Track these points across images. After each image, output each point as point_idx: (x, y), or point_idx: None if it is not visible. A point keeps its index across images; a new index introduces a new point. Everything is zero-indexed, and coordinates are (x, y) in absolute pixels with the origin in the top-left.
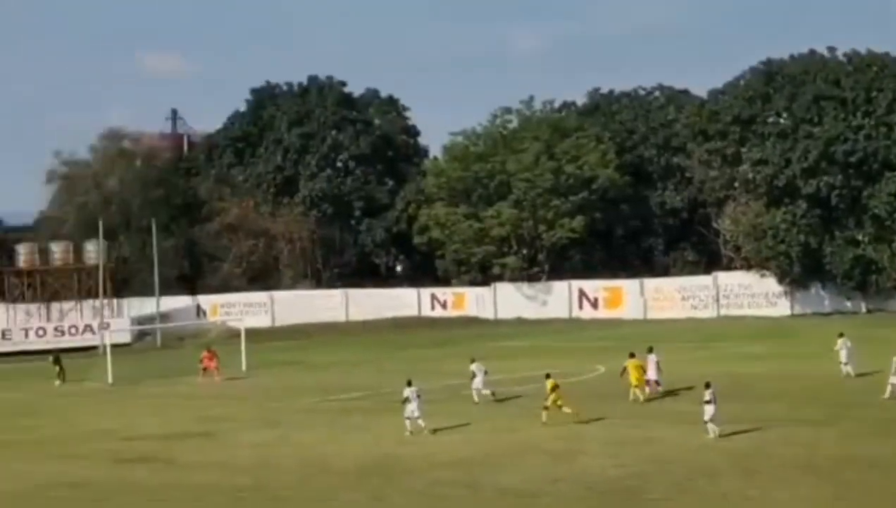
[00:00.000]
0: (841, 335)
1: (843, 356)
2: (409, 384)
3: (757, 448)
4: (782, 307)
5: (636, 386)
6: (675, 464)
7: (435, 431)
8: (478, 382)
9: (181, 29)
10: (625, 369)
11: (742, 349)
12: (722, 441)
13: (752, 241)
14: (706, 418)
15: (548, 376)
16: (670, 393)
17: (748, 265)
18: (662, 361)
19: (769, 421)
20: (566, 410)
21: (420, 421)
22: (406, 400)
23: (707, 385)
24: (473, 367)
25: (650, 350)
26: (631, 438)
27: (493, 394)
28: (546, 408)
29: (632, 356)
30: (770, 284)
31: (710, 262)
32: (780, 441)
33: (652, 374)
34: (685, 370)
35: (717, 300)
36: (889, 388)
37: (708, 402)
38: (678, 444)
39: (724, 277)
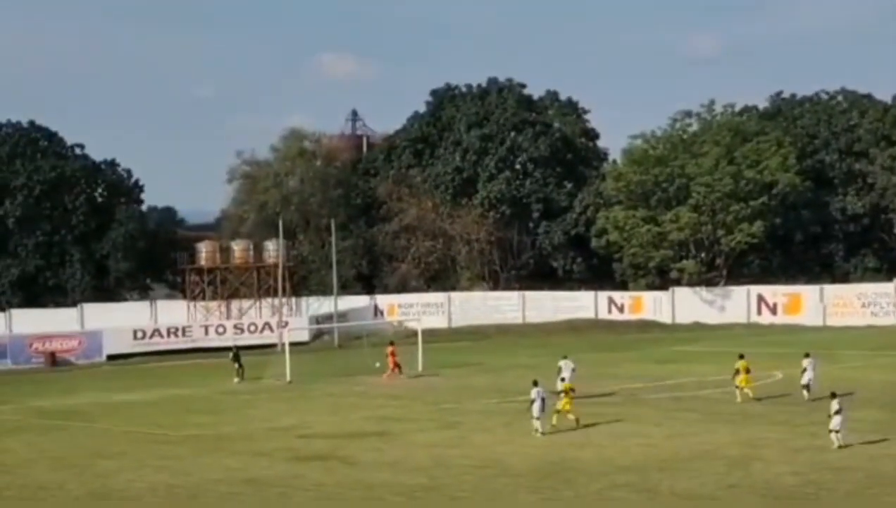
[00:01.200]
0: None
1: None
2: (536, 384)
3: None
4: None
5: (747, 386)
6: (852, 472)
7: (544, 434)
8: (566, 375)
9: (362, 31)
10: (737, 370)
11: None
12: None
13: None
14: (832, 427)
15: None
16: (847, 400)
17: None
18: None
19: None
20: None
21: (537, 422)
22: (533, 401)
23: (833, 395)
24: (562, 363)
25: (807, 355)
26: (808, 445)
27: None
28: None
29: (741, 357)
30: None
31: (891, 268)
32: None
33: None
34: (864, 377)
35: None
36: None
37: (837, 412)
38: (856, 453)
39: None
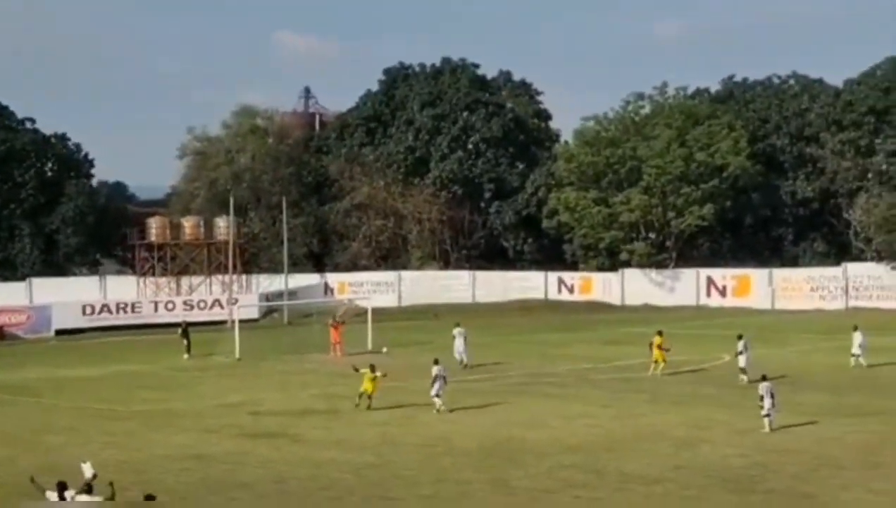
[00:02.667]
0: (855, 329)
1: (855, 346)
2: (437, 362)
3: (881, 441)
4: None
5: (662, 360)
6: (798, 455)
7: (452, 411)
8: (458, 345)
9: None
10: (651, 345)
11: (869, 342)
12: (845, 434)
13: (884, 232)
14: (763, 412)
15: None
16: (794, 384)
17: (879, 257)
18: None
19: (894, 414)
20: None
21: (437, 400)
22: (435, 379)
23: (763, 378)
24: (456, 331)
25: (740, 337)
26: (755, 427)
27: (463, 364)
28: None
29: (659, 333)
30: None
31: (839, 253)
32: None
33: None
34: (812, 360)
35: (847, 292)
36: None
37: (763, 397)
38: (802, 435)
39: (853, 268)
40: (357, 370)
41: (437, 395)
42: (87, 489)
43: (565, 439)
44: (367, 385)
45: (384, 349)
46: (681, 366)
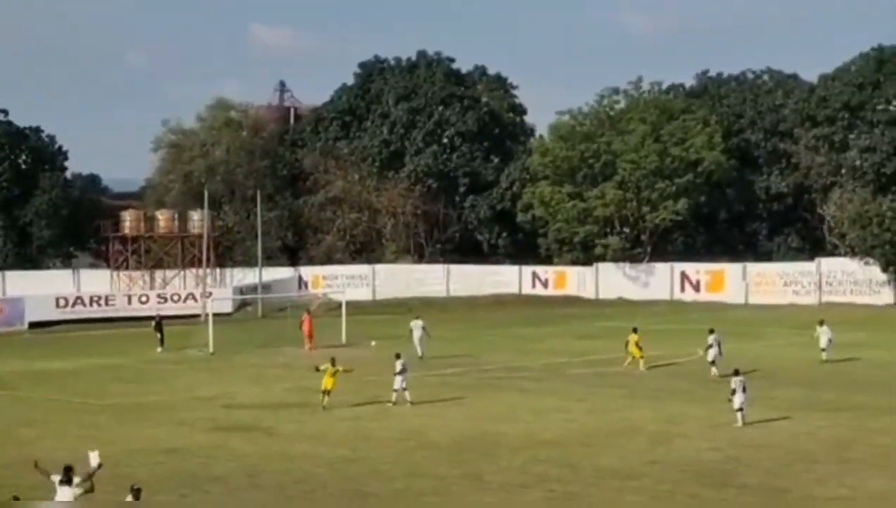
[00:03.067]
0: (821, 323)
1: (822, 342)
2: (398, 356)
3: (854, 437)
4: (886, 296)
5: (641, 358)
6: (772, 449)
7: (414, 404)
8: (416, 337)
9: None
10: (628, 343)
11: (843, 337)
12: (819, 428)
13: (858, 228)
14: (735, 406)
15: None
16: (768, 378)
17: (852, 253)
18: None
19: (867, 409)
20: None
21: (406, 394)
22: (399, 372)
23: (736, 373)
24: (413, 324)
25: (711, 331)
26: (729, 422)
27: (420, 356)
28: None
29: (634, 330)
30: (874, 272)
31: (813, 248)
32: (877, 430)
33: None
34: (785, 355)
35: (820, 287)
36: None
37: (742, 390)
38: (776, 430)
39: (827, 263)
40: (318, 369)
41: (403, 388)
42: (67, 480)
43: (539, 433)
44: (328, 383)
45: (372, 343)
46: (655, 361)
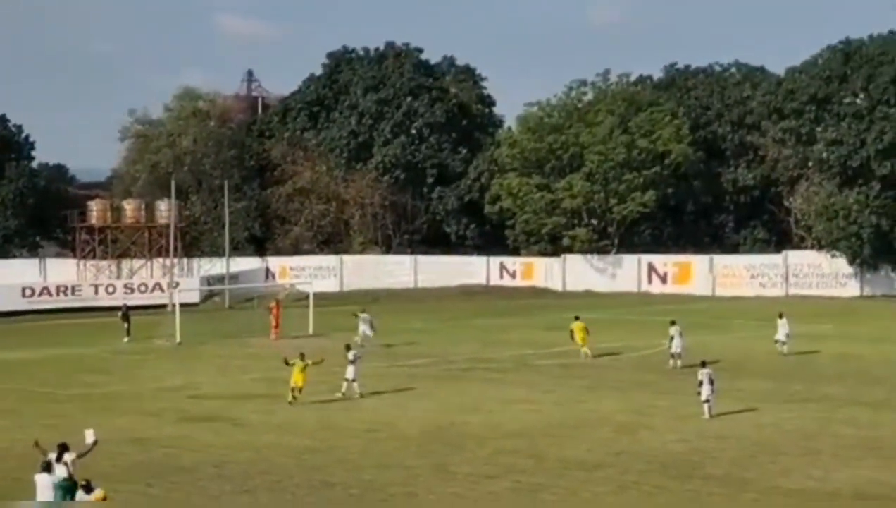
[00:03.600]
0: (781, 316)
1: (780, 334)
2: (349, 348)
3: (820, 428)
4: (852, 288)
5: (583, 346)
6: (738, 441)
7: (362, 395)
8: (364, 330)
9: None
10: (572, 331)
11: (809, 329)
12: (784, 420)
13: (824, 221)
14: (703, 398)
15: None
16: (734, 370)
17: (819, 245)
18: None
19: (833, 401)
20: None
21: (355, 385)
22: (350, 363)
23: (703, 364)
24: (361, 317)
25: (673, 323)
26: (695, 413)
27: (362, 345)
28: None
29: (577, 318)
30: (840, 264)
31: (780, 241)
32: (843, 422)
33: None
34: (751, 347)
35: (787, 279)
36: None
37: (709, 382)
38: (741, 421)
39: (793, 256)
40: (288, 362)
41: (353, 380)
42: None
43: (506, 424)
44: (297, 378)
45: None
46: (622, 352)
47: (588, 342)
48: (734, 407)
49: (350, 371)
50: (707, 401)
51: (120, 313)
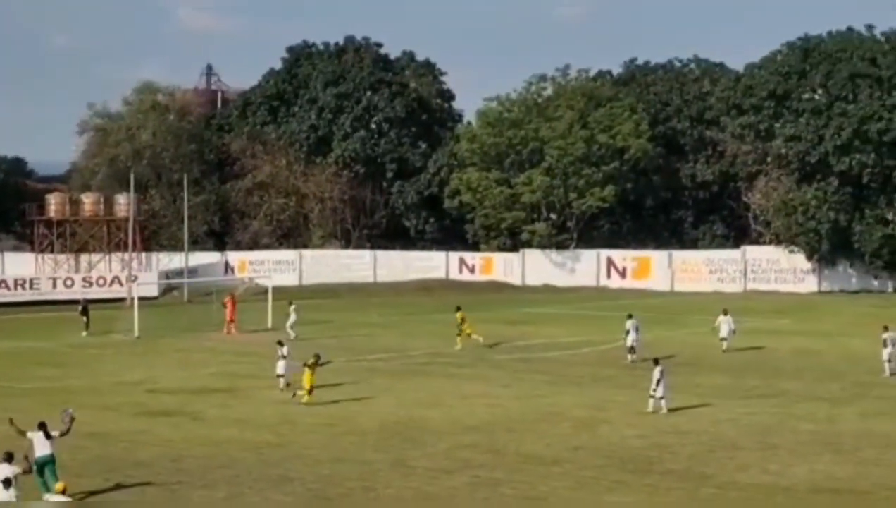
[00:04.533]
0: (725, 313)
1: (723, 331)
2: (281, 344)
3: (778, 423)
4: (809, 284)
5: (461, 336)
6: (696, 436)
7: (289, 388)
8: (292, 321)
9: None
10: (460, 321)
11: (767, 325)
12: (742, 415)
13: (782, 216)
14: (657, 395)
15: (458, 308)
16: (692, 365)
17: (777, 241)
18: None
19: (790, 397)
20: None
21: (281, 381)
22: (279, 359)
23: (655, 362)
24: (291, 309)
25: (630, 317)
26: (654, 408)
27: (293, 337)
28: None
29: (458, 308)
30: (798, 260)
31: (738, 236)
32: (800, 417)
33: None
34: (709, 342)
35: (745, 275)
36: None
37: (659, 379)
38: (700, 416)
39: (752, 251)
40: (307, 364)
41: (282, 374)
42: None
43: (464, 419)
44: (311, 379)
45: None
46: (580, 347)
47: (464, 333)
48: (692, 402)
49: (280, 366)
50: (661, 397)
51: (79, 308)
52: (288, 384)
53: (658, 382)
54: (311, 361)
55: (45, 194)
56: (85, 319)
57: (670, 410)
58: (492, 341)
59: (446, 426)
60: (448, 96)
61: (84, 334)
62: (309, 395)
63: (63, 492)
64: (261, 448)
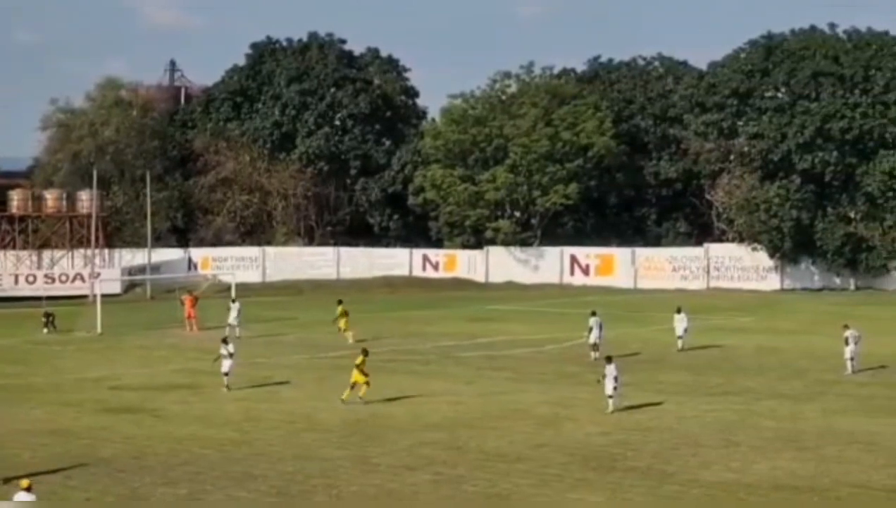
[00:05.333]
0: (679, 311)
1: (678, 330)
2: (225, 342)
3: (740, 420)
4: (772, 281)
5: (341, 329)
6: (659, 433)
7: (230, 389)
8: (232, 318)
9: None
10: (340, 314)
11: (730, 322)
12: (705, 412)
13: (745, 214)
14: (607, 392)
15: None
16: (655, 363)
17: (740, 238)
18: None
19: (753, 394)
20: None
21: (226, 378)
22: (222, 357)
23: (609, 360)
24: (232, 306)
25: (593, 314)
26: (617, 405)
27: (238, 335)
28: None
29: (339, 302)
30: (761, 257)
31: (701, 233)
32: (763, 414)
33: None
34: (673, 339)
35: (708, 272)
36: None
37: (605, 377)
38: (663, 414)
39: (715, 249)
40: (363, 352)
41: (227, 373)
42: None
43: (427, 416)
44: (359, 376)
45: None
46: (544, 344)
47: (349, 327)
48: (655, 400)
49: (226, 365)
50: (611, 396)
51: (43, 315)
52: (227, 387)
53: (605, 377)
54: (360, 360)
55: (7, 190)
56: (45, 320)
57: (628, 409)
58: (453, 340)
59: (409, 423)
60: (412, 93)
61: (45, 331)
62: (367, 386)
63: (28, 490)
64: (223, 445)
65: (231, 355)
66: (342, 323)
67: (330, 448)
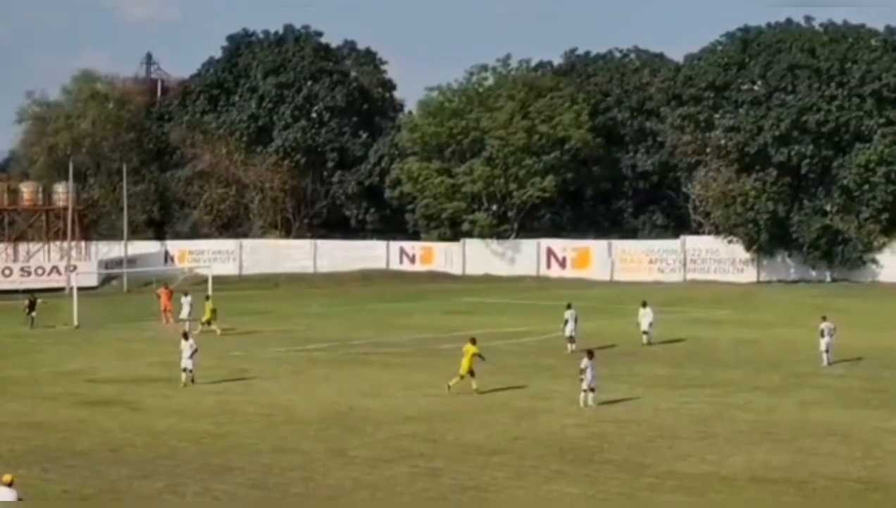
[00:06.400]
0: (644, 305)
1: (644, 324)
2: (186, 337)
3: (717, 413)
4: (749, 274)
5: (206, 321)
6: (636, 425)
7: (186, 385)
8: (184, 313)
9: None
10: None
11: (706, 314)
12: (681, 405)
13: (722, 207)
14: (584, 386)
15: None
16: (632, 355)
17: (716, 231)
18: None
19: (729, 386)
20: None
21: (184, 375)
22: (187, 351)
23: (590, 355)
24: (183, 300)
25: (568, 307)
26: (594, 398)
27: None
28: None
29: (207, 298)
30: (737, 250)
31: (678, 226)
32: (739, 407)
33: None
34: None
35: (685, 265)
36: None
37: (584, 370)
38: (639, 406)
39: (692, 241)
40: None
41: (190, 370)
42: None
43: (405, 409)
44: (468, 364)
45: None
46: (521, 337)
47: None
48: (632, 392)
49: (188, 362)
50: (588, 390)
51: (27, 303)
52: (193, 381)
53: (583, 371)
54: (476, 349)
55: None
56: (27, 310)
57: (605, 402)
58: (430, 333)
59: (386, 415)
60: (389, 86)
61: (31, 314)
62: (461, 379)
63: (10, 485)
64: (201, 437)
65: (195, 350)
66: (210, 316)
67: (307, 440)
